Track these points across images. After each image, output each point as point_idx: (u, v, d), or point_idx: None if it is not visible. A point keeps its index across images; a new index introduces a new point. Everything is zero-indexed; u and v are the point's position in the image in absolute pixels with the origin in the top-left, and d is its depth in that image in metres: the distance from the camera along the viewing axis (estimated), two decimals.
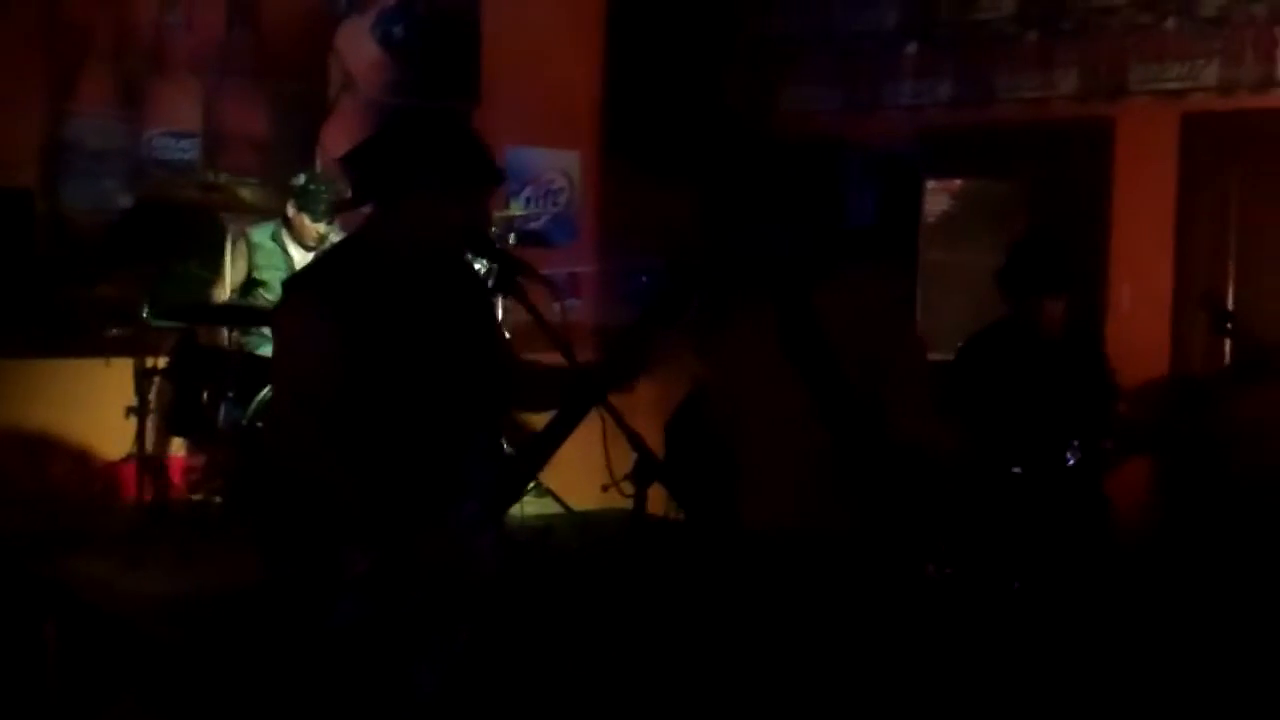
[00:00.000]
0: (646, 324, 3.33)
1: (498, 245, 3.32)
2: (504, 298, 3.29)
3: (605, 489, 3.16)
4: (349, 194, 3.36)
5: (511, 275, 3.25)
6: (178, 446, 6.63)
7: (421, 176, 3.09)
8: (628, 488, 3.10)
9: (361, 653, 3.06)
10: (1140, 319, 6.15)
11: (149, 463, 6.23)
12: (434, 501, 3.08)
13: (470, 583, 3.12)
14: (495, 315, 3.38)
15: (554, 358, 3.34)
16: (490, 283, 3.35)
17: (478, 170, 3.16)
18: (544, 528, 3.17)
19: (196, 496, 6.24)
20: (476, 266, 3.53)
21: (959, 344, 5.22)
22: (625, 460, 3.13)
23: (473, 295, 3.31)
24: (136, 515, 6.07)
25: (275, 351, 3.34)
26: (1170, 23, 7.03)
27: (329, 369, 3.01)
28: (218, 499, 6.23)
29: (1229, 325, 4.94)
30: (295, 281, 3.22)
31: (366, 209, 3.25)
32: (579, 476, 4.08)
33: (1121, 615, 5.03)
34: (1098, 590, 4.92)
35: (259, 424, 5.93)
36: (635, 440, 3.08)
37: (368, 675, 3.07)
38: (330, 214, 6.65)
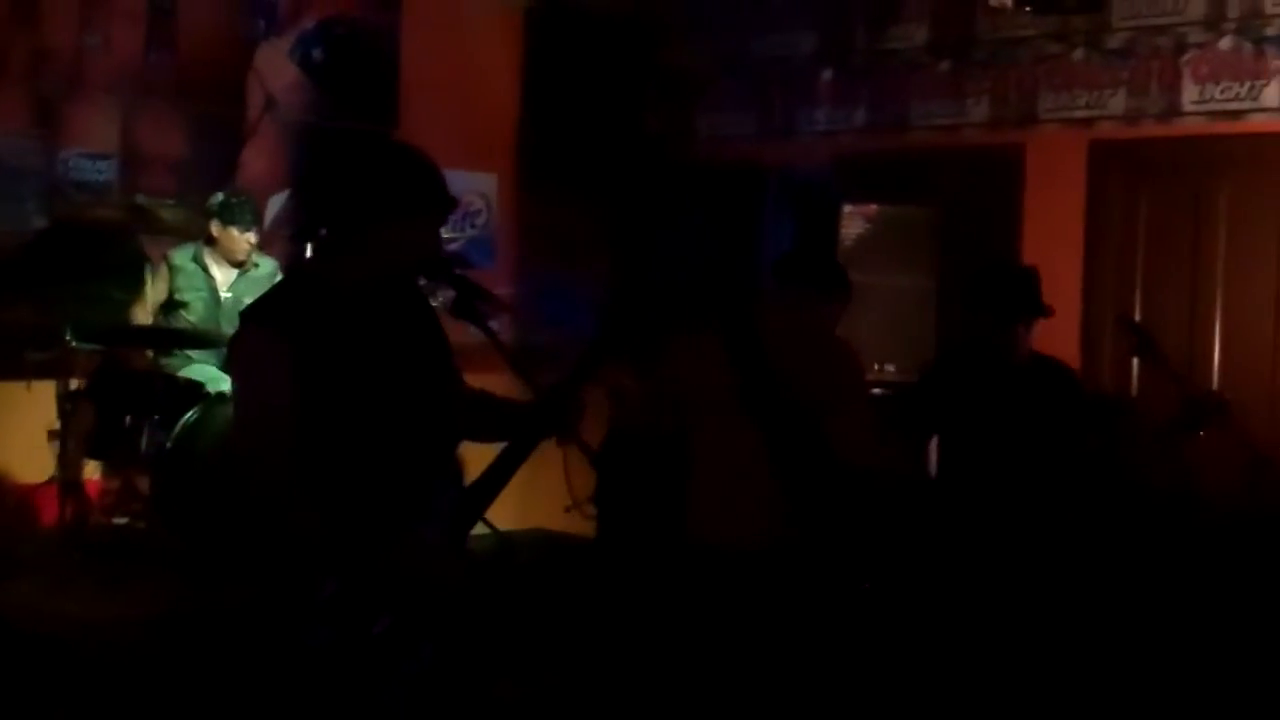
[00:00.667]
0: (596, 354, 3.36)
1: (455, 270, 3.32)
2: (461, 322, 3.29)
3: (568, 510, 3.20)
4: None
5: (469, 300, 3.28)
6: (93, 470, 6.56)
7: (380, 207, 3.10)
8: (589, 508, 3.14)
9: (331, 675, 3.07)
10: (1051, 341, 6.25)
11: (70, 486, 6.18)
12: (397, 526, 3.09)
13: (434, 604, 3.13)
14: (447, 341, 3.39)
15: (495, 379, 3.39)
16: (448, 308, 3.36)
17: (433, 197, 3.17)
18: (506, 546, 3.21)
19: (119, 520, 6.18)
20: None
21: (905, 367, 5.28)
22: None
23: (426, 322, 3.33)
24: (57, 539, 6.01)
25: (235, 384, 3.34)
26: (1078, 53, 7.24)
27: (288, 399, 3.00)
28: (140, 522, 6.19)
29: (1149, 349, 5.07)
30: (252, 313, 3.20)
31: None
32: (540, 497, 4.12)
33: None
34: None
35: (182, 447, 5.91)
36: (597, 463, 3.12)
37: (338, 697, 3.08)
38: (255, 222, 6.67)
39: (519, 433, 3.27)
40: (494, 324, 3.31)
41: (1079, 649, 5.10)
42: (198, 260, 6.66)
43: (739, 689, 4.19)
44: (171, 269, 6.64)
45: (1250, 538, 6.25)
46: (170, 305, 6.64)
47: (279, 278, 6.72)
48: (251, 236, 6.67)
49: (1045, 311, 5.04)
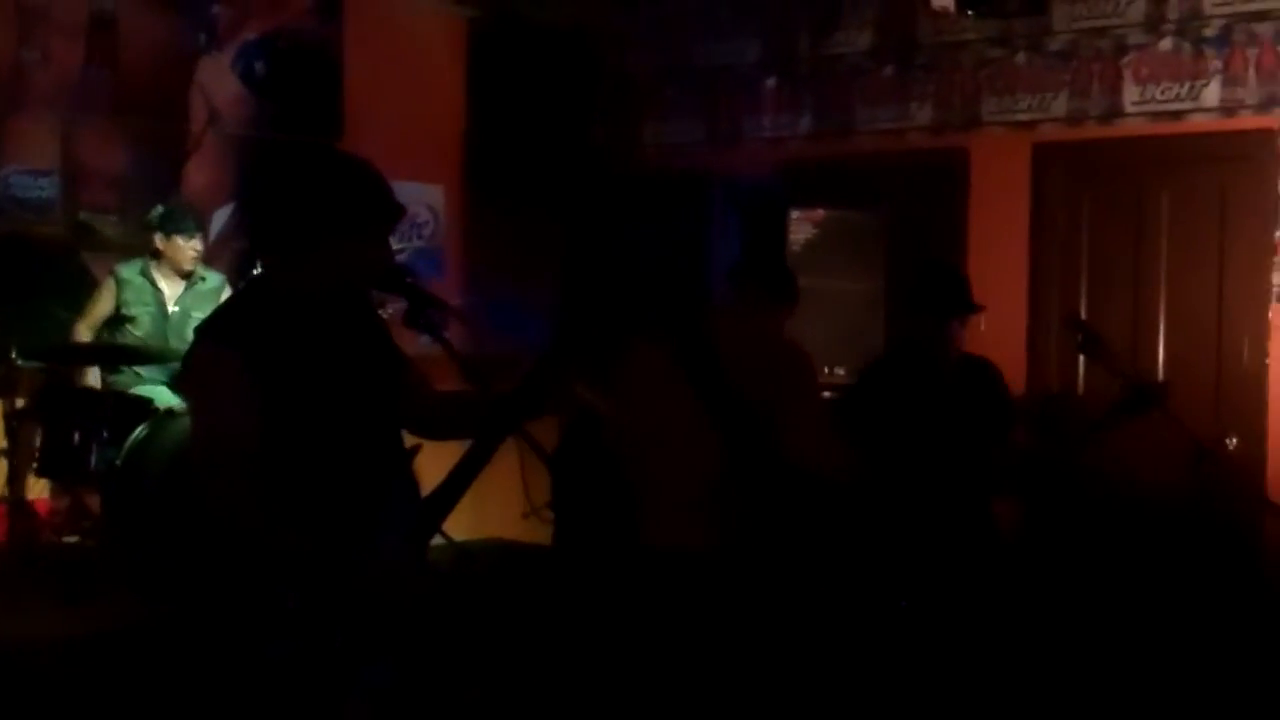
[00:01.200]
0: (557, 355, 3.36)
1: (407, 280, 3.31)
2: (416, 332, 3.28)
3: (525, 516, 3.20)
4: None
5: (422, 309, 3.27)
6: (41, 489, 6.49)
7: (328, 219, 3.08)
8: (547, 514, 3.14)
9: (294, 687, 3.06)
10: (997, 342, 6.31)
11: (19, 505, 6.12)
12: (356, 538, 3.08)
13: (396, 614, 3.12)
14: (399, 351, 3.39)
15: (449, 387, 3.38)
16: (401, 318, 3.35)
17: (380, 207, 3.16)
18: (464, 554, 3.20)
19: (70, 539, 6.12)
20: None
21: (855, 370, 5.32)
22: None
23: (376, 334, 3.33)
24: (7, 559, 5.95)
25: (191, 400, 3.33)
26: (1020, 57, 7.30)
27: (245, 414, 2.99)
28: (90, 540, 6.13)
29: (1096, 346, 5.12)
30: (206, 329, 3.18)
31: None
32: (498, 505, 4.10)
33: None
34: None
35: (132, 463, 5.86)
36: (556, 467, 3.12)
37: (300, 710, 3.07)
38: (197, 230, 6.64)
39: (486, 426, 3.26)
40: (447, 334, 3.30)
41: (1021, 645, 5.15)
42: (145, 275, 6.61)
43: (698, 693, 4.20)
44: (119, 283, 6.59)
45: (1193, 528, 6.34)
46: (117, 320, 6.58)
47: (226, 291, 6.70)
48: (196, 244, 6.63)
49: (977, 308, 5.14)
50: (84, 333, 6.52)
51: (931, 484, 4.92)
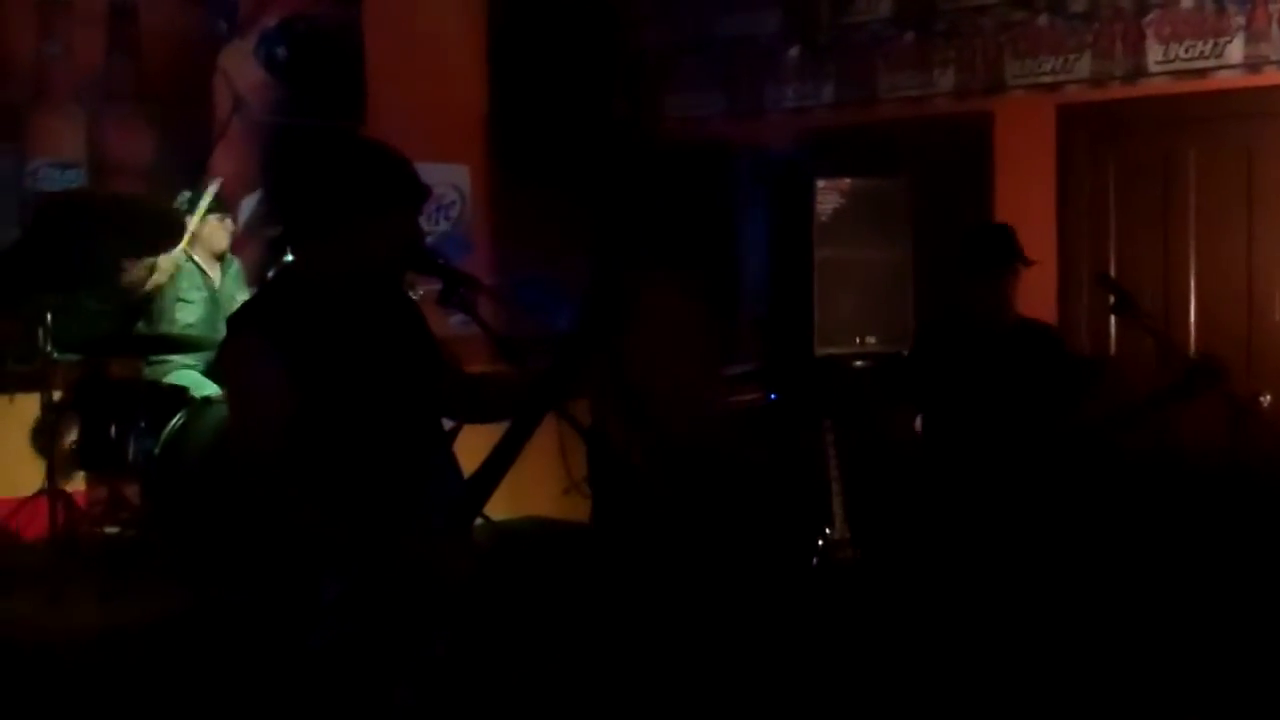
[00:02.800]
0: (588, 334, 3.36)
1: (439, 260, 3.32)
2: (450, 311, 3.29)
3: (566, 492, 3.21)
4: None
5: (456, 288, 3.28)
6: (78, 480, 6.54)
7: (355, 203, 3.10)
8: (587, 489, 3.15)
9: (339, 675, 3.07)
10: (1027, 305, 6.28)
11: (59, 497, 6.15)
12: (398, 522, 3.10)
13: (441, 597, 3.14)
14: (430, 332, 3.40)
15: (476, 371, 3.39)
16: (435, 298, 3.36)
17: (407, 188, 3.17)
18: (502, 535, 3.21)
19: (110, 530, 6.16)
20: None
21: (884, 338, 5.30)
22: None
23: (410, 317, 3.34)
24: (49, 551, 5.99)
25: (227, 391, 3.35)
26: (1043, 19, 7.26)
27: (281, 403, 3.01)
28: (130, 531, 6.17)
29: (1129, 306, 5.11)
30: (239, 319, 3.20)
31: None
32: (536, 482, 4.12)
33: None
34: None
35: (170, 453, 5.90)
36: (593, 441, 3.12)
37: (347, 697, 3.08)
38: (228, 210, 6.66)
39: (524, 406, 3.27)
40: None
41: (1071, 617, 5.15)
42: (190, 260, 6.62)
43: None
44: (178, 266, 6.57)
45: (1231, 486, 6.31)
46: (163, 310, 6.57)
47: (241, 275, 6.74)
48: (229, 224, 6.66)
49: (1027, 260, 5.17)
50: (144, 276, 6.47)
51: (990, 448, 4.92)
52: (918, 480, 5.03)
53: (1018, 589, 5.00)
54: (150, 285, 6.50)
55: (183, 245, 6.58)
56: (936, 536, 5.02)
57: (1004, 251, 5.15)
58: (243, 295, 6.42)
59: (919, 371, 5.21)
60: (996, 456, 4.93)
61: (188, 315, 6.53)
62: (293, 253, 3.39)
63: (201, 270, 6.61)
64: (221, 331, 6.25)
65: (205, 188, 6.71)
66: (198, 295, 6.57)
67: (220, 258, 6.68)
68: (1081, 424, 5.06)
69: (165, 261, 6.52)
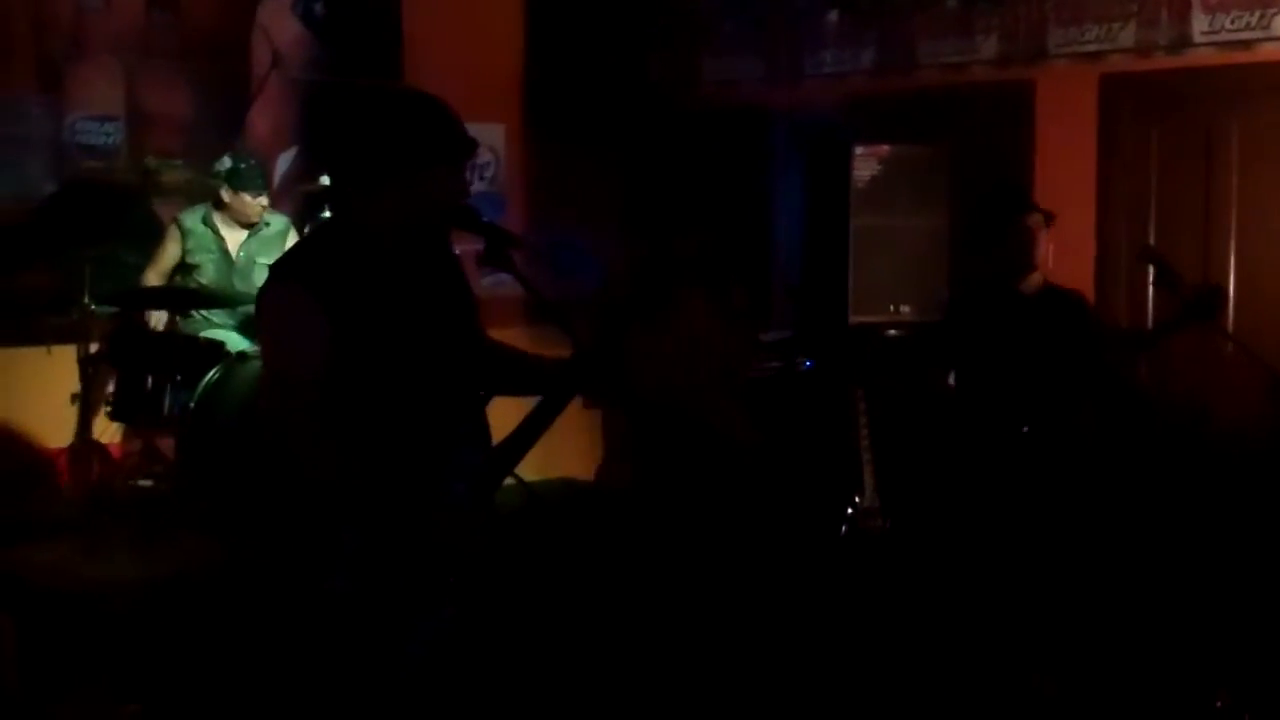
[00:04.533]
0: (631, 308, 3.35)
1: (483, 218, 3.30)
2: (493, 271, 3.27)
3: (605, 460, 3.20)
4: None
5: (500, 248, 3.26)
6: (113, 433, 6.57)
7: (400, 155, 3.08)
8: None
9: (350, 622, 3.08)
10: (1065, 275, 6.27)
11: (94, 449, 6.19)
12: (424, 483, 3.09)
13: (458, 560, 3.13)
14: (474, 295, 3.38)
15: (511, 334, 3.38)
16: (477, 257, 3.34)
17: (452, 142, 3.14)
18: (533, 497, 3.19)
19: (145, 482, 6.18)
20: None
21: (920, 308, 5.32)
22: None
23: (453, 276, 3.32)
24: (84, 502, 6.03)
25: (263, 340, 3.34)
26: None
27: (318, 355, 3.00)
28: (163, 484, 6.20)
29: (1171, 278, 5.10)
30: (279, 268, 3.19)
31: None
32: (566, 446, 4.12)
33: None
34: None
35: (205, 407, 5.92)
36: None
37: (357, 644, 3.09)
38: (264, 187, 6.65)
39: (551, 389, 3.27)
40: (503, 278, 3.29)
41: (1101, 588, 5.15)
42: (207, 222, 6.65)
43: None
44: (183, 231, 6.63)
45: (1272, 459, 6.29)
46: (183, 268, 6.63)
47: (290, 234, 6.72)
48: (264, 200, 6.66)
49: (1038, 209, 5.26)
50: (154, 280, 6.57)
51: (1018, 410, 4.94)
52: (949, 443, 5.04)
53: (1045, 559, 5.01)
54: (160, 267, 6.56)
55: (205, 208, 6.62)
56: (966, 503, 5.03)
57: (1015, 202, 5.17)
58: (269, 256, 6.40)
59: (951, 338, 5.24)
60: (1025, 420, 4.95)
61: (199, 276, 6.57)
62: (336, 207, 3.38)
63: (215, 233, 6.61)
64: (241, 290, 6.37)
65: (243, 155, 6.71)
66: (206, 257, 6.58)
67: (250, 226, 6.66)
68: (1110, 380, 5.10)
69: (163, 256, 6.57)
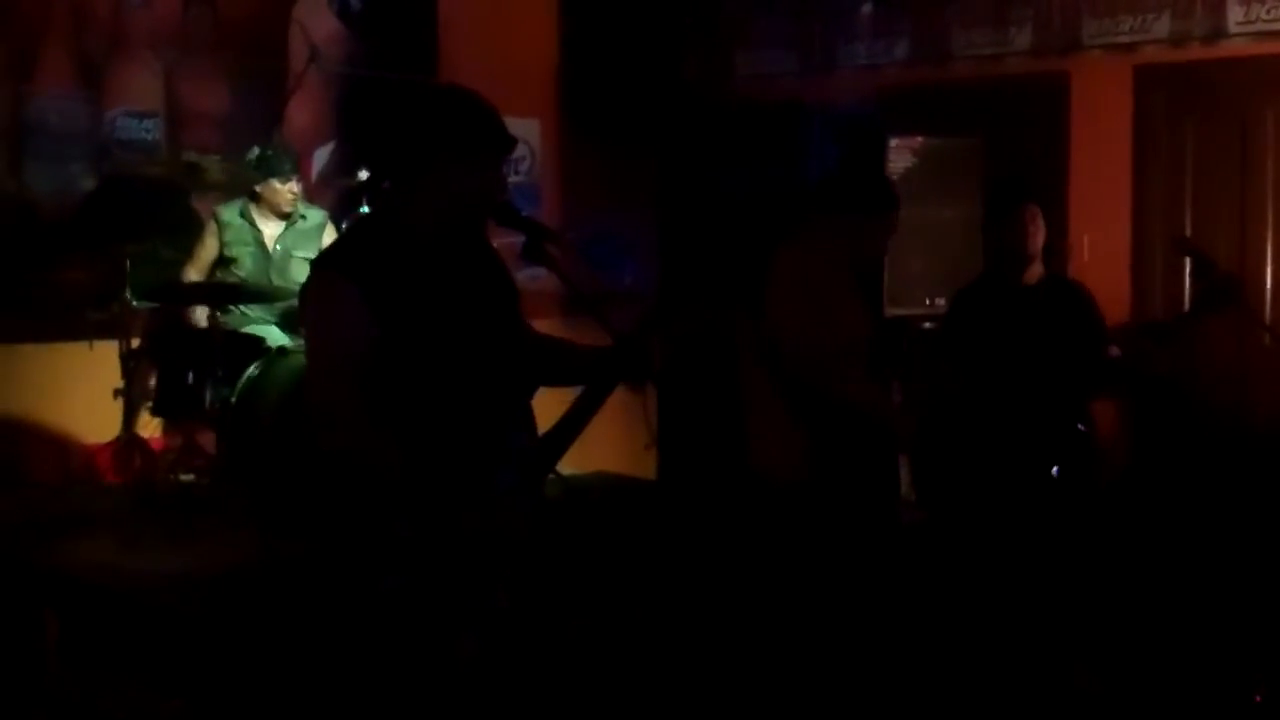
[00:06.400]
0: (660, 316, 3.38)
1: (522, 213, 3.33)
2: (532, 265, 3.30)
3: (647, 447, 3.22)
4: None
5: (539, 242, 3.29)
6: (154, 428, 6.62)
7: (440, 150, 3.11)
8: None
9: (405, 619, 3.11)
10: (1100, 268, 6.30)
11: (136, 444, 6.24)
12: (474, 472, 3.12)
13: (509, 550, 3.16)
14: (514, 286, 3.41)
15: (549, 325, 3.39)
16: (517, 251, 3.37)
17: (492, 137, 3.17)
18: (571, 490, 3.22)
19: (186, 477, 6.23)
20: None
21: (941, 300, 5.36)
22: None
23: (493, 268, 3.34)
24: (127, 496, 6.08)
25: (308, 332, 3.37)
26: None
27: (363, 345, 3.02)
28: (205, 478, 6.24)
29: (1207, 269, 5.10)
30: (323, 260, 3.22)
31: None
32: (602, 440, 4.14)
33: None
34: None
35: (246, 402, 5.95)
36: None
37: (411, 641, 3.12)
38: (294, 172, 6.68)
39: (594, 377, 3.30)
40: (538, 272, 3.31)
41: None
42: (244, 216, 6.67)
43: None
44: (220, 225, 6.66)
45: None
46: (221, 262, 6.67)
47: (328, 228, 6.76)
48: (294, 186, 6.65)
49: (1033, 200, 5.24)
50: (193, 276, 6.61)
51: (1022, 403, 4.96)
52: (967, 438, 5.06)
53: (1082, 552, 5.02)
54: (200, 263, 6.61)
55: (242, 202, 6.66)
56: (1002, 495, 5.05)
57: (1010, 195, 5.20)
58: (306, 250, 6.44)
59: (952, 332, 5.28)
60: (1029, 411, 4.97)
61: (237, 270, 6.59)
62: (375, 201, 3.41)
63: (252, 225, 6.64)
64: (278, 284, 6.41)
65: (274, 144, 6.75)
66: (244, 250, 6.59)
67: (285, 216, 6.69)
68: (1109, 368, 5.11)
69: (201, 253, 6.61)
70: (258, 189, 6.62)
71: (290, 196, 6.63)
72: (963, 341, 5.23)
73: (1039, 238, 5.21)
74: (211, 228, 6.68)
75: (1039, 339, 5.11)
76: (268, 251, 6.65)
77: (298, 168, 6.80)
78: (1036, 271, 5.24)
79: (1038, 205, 5.24)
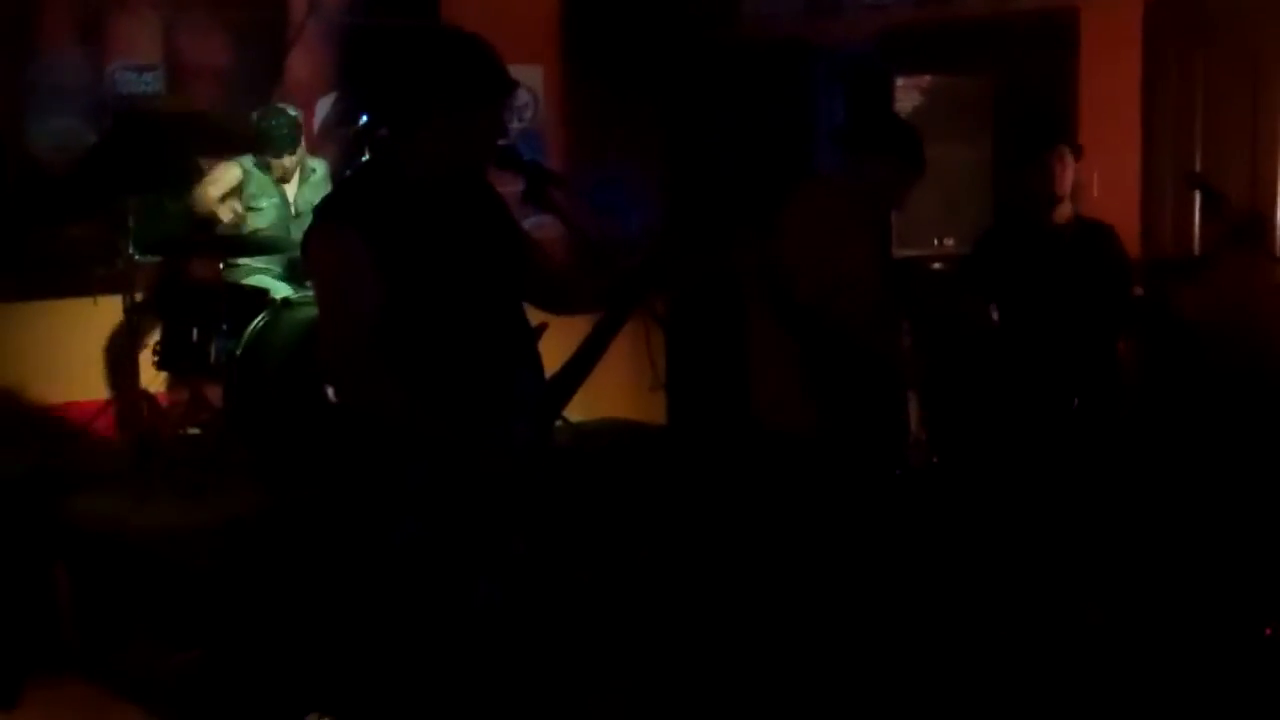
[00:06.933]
0: (676, 231, 3.35)
1: (524, 158, 3.30)
2: (535, 211, 3.27)
3: (653, 389, 3.20)
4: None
5: (541, 186, 3.26)
6: (159, 382, 6.60)
7: (441, 95, 3.08)
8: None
9: (424, 567, 3.10)
10: (1110, 205, 6.20)
11: (142, 398, 6.23)
12: (485, 418, 3.10)
13: (523, 496, 3.15)
14: (520, 228, 3.38)
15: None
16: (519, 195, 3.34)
17: (493, 81, 3.14)
18: (579, 435, 3.20)
19: (193, 430, 6.23)
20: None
21: (963, 240, 5.31)
22: None
23: (496, 212, 3.31)
24: (134, 451, 6.07)
25: (315, 283, 3.35)
26: None
27: (372, 294, 3.01)
28: (210, 433, 6.24)
29: (1219, 205, 5.06)
30: (324, 210, 3.20)
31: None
32: (609, 386, 4.12)
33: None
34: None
35: (251, 354, 5.94)
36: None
37: (431, 589, 3.11)
38: (294, 144, 6.60)
39: (612, 299, 3.27)
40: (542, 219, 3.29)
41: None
42: (260, 167, 6.62)
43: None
44: (245, 174, 6.59)
45: None
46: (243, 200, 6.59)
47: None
48: (288, 160, 6.57)
49: (1069, 141, 5.21)
50: (213, 194, 6.50)
51: (1049, 342, 4.93)
52: (994, 374, 5.04)
53: (1093, 491, 5.00)
54: (211, 202, 6.51)
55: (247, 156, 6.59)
56: (1008, 430, 5.03)
57: (1042, 134, 5.13)
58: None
59: (984, 269, 5.24)
60: (1059, 352, 4.95)
61: (258, 220, 6.54)
62: (376, 148, 3.38)
63: (274, 181, 6.58)
64: (295, 235, 6.36)
65: (268, 106, 6.65)
66: (268, 201, 6.56)
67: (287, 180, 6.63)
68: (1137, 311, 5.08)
69: (224, 173, 6.52)
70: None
71: (283, 170, 6.56)
72: (990, 280, 5.20)
73: (1068, 179, 5.17)
74: (235, 162, 6.59)
75: (1067, 279, 5.08)
76: (289, 206, 6.60)
77: (297, 135, 6.67)
78: (1065, 212, 5.22)
79: (1066, 145, 5.19)
